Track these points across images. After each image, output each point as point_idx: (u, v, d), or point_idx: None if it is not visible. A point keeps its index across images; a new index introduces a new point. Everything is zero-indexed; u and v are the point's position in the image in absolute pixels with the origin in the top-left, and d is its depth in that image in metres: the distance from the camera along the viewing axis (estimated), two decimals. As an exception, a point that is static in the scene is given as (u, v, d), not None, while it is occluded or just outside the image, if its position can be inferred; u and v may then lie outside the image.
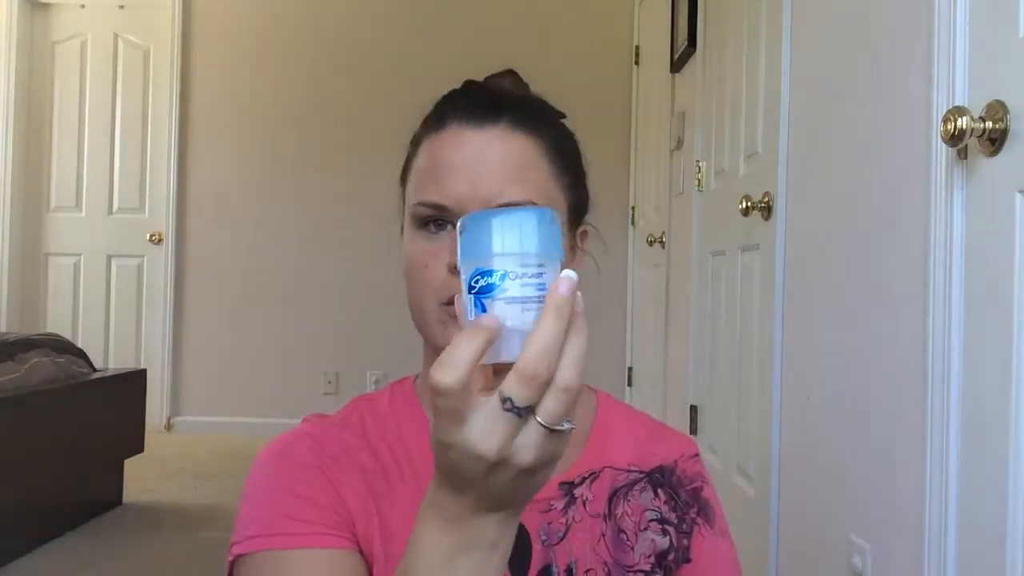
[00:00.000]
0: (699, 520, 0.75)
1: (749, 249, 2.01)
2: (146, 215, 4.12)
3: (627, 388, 3.87)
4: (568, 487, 0.71)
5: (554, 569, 0.69)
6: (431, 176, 0.67)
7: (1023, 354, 0.90)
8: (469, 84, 0.72)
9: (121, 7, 4.13)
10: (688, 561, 0.73)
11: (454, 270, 0.63)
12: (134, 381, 2.82)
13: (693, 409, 2.53)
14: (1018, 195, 0.91)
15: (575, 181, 0.72)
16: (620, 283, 3.93)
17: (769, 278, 1.81)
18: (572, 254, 0.72)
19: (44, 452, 2.28)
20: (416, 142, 0.72)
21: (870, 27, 1.35)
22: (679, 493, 0.75)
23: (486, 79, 0.75)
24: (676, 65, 2.92)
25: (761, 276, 1.89)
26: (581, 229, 0.74)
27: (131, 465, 2.82)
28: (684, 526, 0.74)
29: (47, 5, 4.13)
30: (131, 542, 2.37)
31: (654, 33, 3.45)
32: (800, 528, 1.64)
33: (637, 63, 3.92)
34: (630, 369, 3.88)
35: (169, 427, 4.02)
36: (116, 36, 4.13)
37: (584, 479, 0.72)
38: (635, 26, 3.95)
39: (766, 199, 1.83)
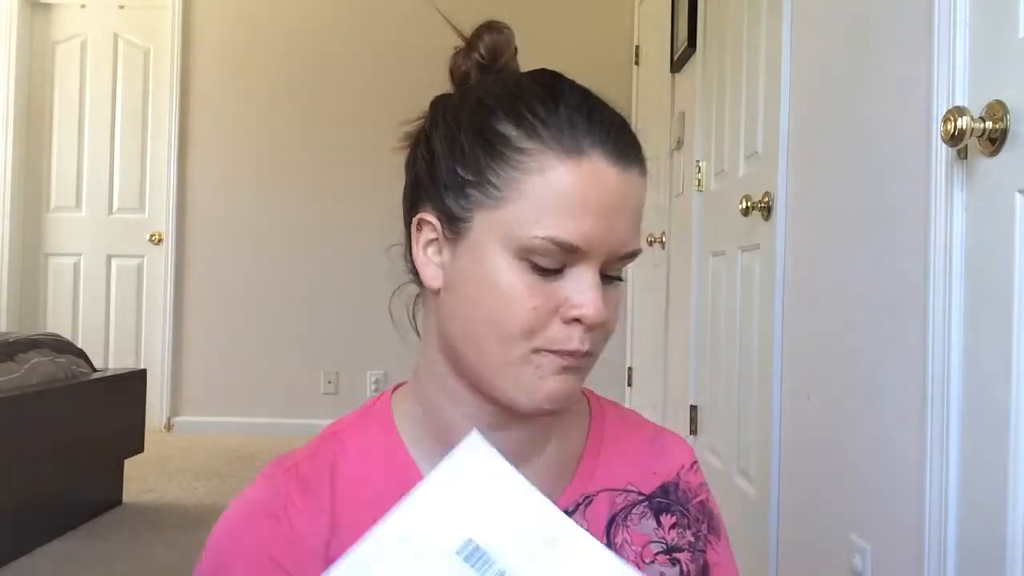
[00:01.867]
0: (710, 536, 0.73)
1: (749, 249, 2.01)
2: (146, 215, 4.12)
3: (627, 388, 3.87)
4: None
5: None
6: (567, 211, 0.57)
7: (1023, 354, 0.90)
8: (593, 106, 0.64)
9: (121, 7, 4.13)
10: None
11: (569, 320, 0.58)
12: (134, 381, 2.82)
13: (693, 409, 2.53)
14: (1018, 195, 0.91)
15: None
16: (620, 283, 3.93)
17: (769, 278, 1.81)
18: None
19: (44, 452, 2.28)
20: (514, 146, 0.59)
21: (870, 27, 1.35)
22: (688, 509, 0.72)
23: (480, 29, 0.68)
24: (676, 65, 2.92)
25: (761, 276, 1.89)
26: None
27: (131, 465, 2.83)
28: (699, 543, 0.71)
29: (47, 5, 4.13)
30: (131, 542, 2.37)
31: (654, 33, 3.45)
32: (800, 528, 1.64)
33: (637, 63, 3.92)
34: (630, 369, 3.88)
35: (169, 427, 4.02)
36: (116, 36, 4.13)
37: (578, 505, 0.67)
38: (635, 26, 3.95)
39: (766, 199, 1.83)
